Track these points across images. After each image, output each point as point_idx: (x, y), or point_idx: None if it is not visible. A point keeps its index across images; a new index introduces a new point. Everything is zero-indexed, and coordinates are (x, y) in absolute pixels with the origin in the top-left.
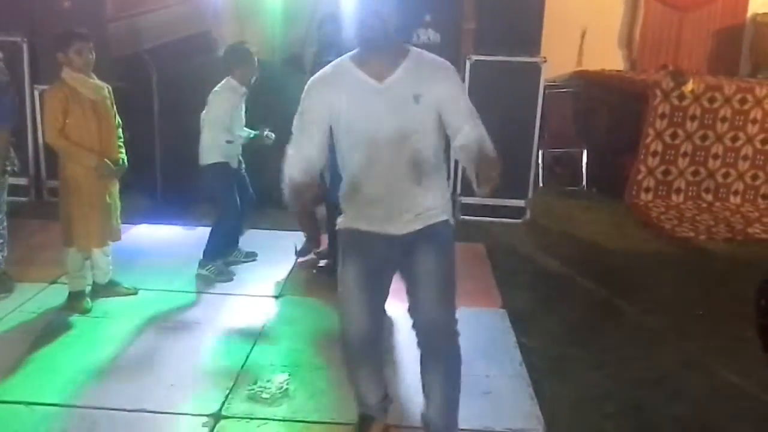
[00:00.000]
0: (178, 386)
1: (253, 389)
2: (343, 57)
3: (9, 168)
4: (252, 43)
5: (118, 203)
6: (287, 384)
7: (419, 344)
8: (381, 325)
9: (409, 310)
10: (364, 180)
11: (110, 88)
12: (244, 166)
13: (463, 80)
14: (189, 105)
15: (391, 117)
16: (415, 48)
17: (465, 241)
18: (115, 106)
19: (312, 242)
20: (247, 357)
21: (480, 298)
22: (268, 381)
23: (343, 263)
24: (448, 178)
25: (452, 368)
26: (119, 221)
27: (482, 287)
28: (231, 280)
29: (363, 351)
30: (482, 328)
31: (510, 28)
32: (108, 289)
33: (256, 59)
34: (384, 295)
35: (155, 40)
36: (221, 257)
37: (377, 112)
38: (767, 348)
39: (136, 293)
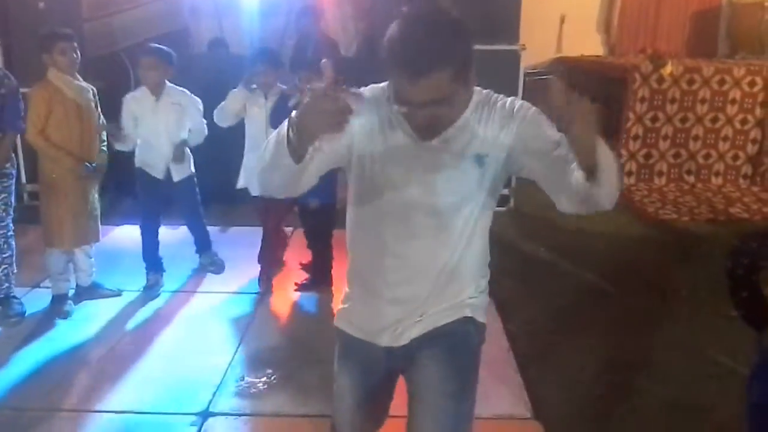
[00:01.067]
0: (164, 386)
1: (240, 385)
2: (377, 90)
3: (9, 170)
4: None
5: (98, 205)
6: (274, 380)
7: None
8: None
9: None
10: (379, 265)
11: (95, 89)
12: (184, 179)
13: None
14: None
15: (439, 181)
16: (482, 90)
17: None
18: (99, 108)
19: (267, 280)
20: (234, 354)
21: None
22: (255, 377)
23: (337, 367)
24: None
25: None
26: (99, 223)
27: None
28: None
29: None
30: None
31: (488, 16)
32: (91, 291)
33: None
34: (384, 410)
35: (132, 39)
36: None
37: (420, 173)
38: (748, 321)
39: (120, 294)
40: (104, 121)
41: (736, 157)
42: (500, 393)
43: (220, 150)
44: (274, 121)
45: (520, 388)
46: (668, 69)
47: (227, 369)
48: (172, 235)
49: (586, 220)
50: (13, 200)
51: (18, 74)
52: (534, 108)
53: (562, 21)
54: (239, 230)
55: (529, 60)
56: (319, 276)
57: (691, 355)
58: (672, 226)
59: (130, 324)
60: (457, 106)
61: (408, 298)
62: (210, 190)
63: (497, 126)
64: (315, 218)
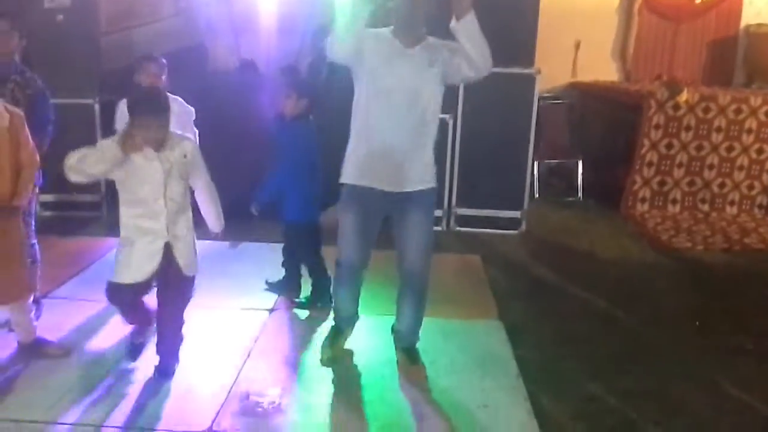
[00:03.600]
0: (168, 402)
1: (244, 404)
2: (383, 29)
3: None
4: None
5: (21, 253)
6: (280, 398)
7: (400, 279)
8: (368, 259)
9: (397, 255)
10: (375, 131)
11: (18, 114)
12: None
13: (458, 92)
14: None
15: (411, 76)
16: (432, 37)
17: (461, 252)
18: (23, 135)
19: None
20: (239, 371)
21: (476, 310)
22: (260, 395)
23: (343, 209)
24: (443, 190)
25: (422, 298)
26: (30, 274)
27: (478, 298)
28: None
29: (349, 275)
30: (478, 339)
31: (504, 40)
32: (34, 349)
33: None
34: (374, 238)
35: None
36: None
37: (401, 70)
38: None
39: (68, 355)
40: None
41: (751, 187)
42: (509, 420)
43: (232, 163)
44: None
45: (529, 416)
46: (684, 96)
47: (232, 386)
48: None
49: (599, 245)
50: (33, 208)
51: None
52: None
53: (578, 46)
54: (248, 246)
55: (544, 84)
56: (316, 294)
57: (705, 387)
58: (685, 255)
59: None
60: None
61: (395, 153)
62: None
63: (439, 48)
64: (299, 237)
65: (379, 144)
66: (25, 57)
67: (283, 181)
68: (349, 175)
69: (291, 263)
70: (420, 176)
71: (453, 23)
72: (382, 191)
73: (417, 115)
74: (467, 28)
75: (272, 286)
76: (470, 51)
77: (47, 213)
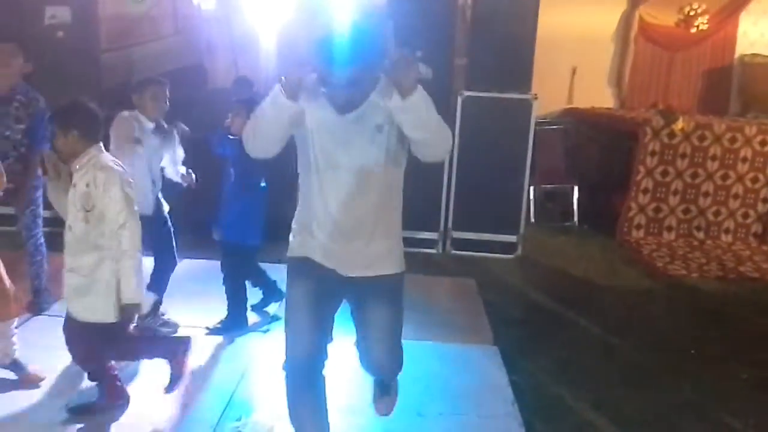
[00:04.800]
0: (160, 423)
1: (237, 426)
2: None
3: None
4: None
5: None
6: (272, 421)
7: (366, 371)
8: (323, 355)
9: (357, 346)
10: (324, 207)
11: None
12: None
13: (455, 116)
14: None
15: (356, 151)
16: (386, 78)
17: (456, 276)
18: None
19: (234, 321)
20: (233, 393)
21: (471, 335)
22: (253, 417)
23: (290, 285)
24: (440, 211)
25: (395, 391)
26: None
27: (473, 323)
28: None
29: (304, 380)
30: (473, 365)
31: (501, 65)
32: (13, 367)
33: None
34: (330, 321)
35: (149, 71)
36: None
37: (343, 142)
38: None
39: (38, 385)
40: None
41: (746, 215)
42: None
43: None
44: None
45: None
46: (680, 125)
47: (225, 408)
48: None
49: (595, 271)
50: (41, 211)
51: None
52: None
53: (574, 73)
54: None
55: (540, 109)
56: (234, 319)
57: (700, 416)
58: (681, 282)
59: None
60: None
61: (349, 234)
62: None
63: (387, 102)
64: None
65: (329, 222)
66: (28, 78)
67: (224, 198)
68: (295, 247)
69: (236, 291)
70: (381, 260)
71: (394, 101)
72: (335, 271)
73: (374, 192)
74: (414, 111)
75: (218, 329)
76: (419, 138)
77: (44, 229)
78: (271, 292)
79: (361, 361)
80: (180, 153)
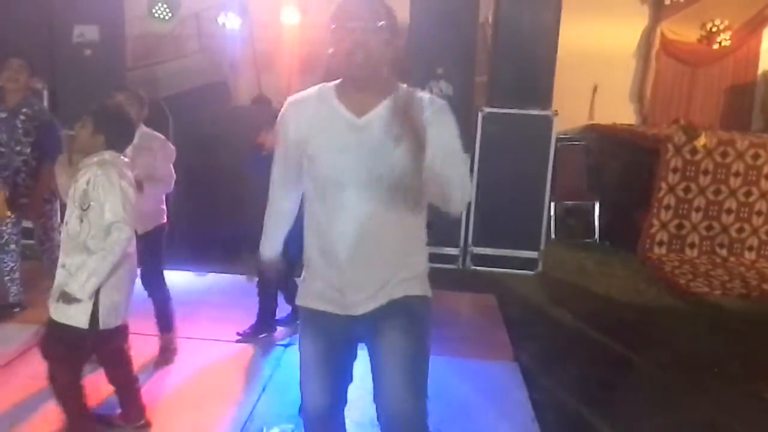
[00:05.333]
0: None
1: None
2: (326, 84)
3: (49, 196)
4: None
5: None
6: None
7: (381, 427)
8: (342, 403)
9: (374, 397)
10: (330, 236)
11: None
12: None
13: (475, 132)
14: (204, 152)
15: (365, 158)
16: (406, 86)
17: (476, 292)
18: None
19: (262, 324)
20: (255, 404)
21: (491, 351)
22: (275, 429)
23: (301, 337)
24: (460, 226)
25: None
26: None
27: (493, 339)
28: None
29: (323, 429)
30: (493, 381)
31: (522, 82)
32: None
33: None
34: (346, 374)
35: (173, 89)
36: None
37: (349, 150)
38: None
39: None
40: None
41: None
42: None
43: (252, 197)
44: None
45: None
46: (702, 141)
47: (247, 420)
48: (199, 282)
49: (616, 288)
50: (55, 224)
51: (63, 118)
52: (449, 114)
53: (595, 90)
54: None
55: (562, 126)
56: (262, 323)
57: None
58: (703, 300)
59: (149, 370)
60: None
61: (360, 265)
62: (237, 237)
63: (414, 115)
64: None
65: (337, 255)
66: (36, 92)
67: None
68: (304, 294)
69: (267, 298)
70: (402, 284)
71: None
72: (349, 316)
73: (393, 211)
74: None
75: (247, 335)
76: (442, 192)
77: None
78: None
79: (378, 418)
80: None
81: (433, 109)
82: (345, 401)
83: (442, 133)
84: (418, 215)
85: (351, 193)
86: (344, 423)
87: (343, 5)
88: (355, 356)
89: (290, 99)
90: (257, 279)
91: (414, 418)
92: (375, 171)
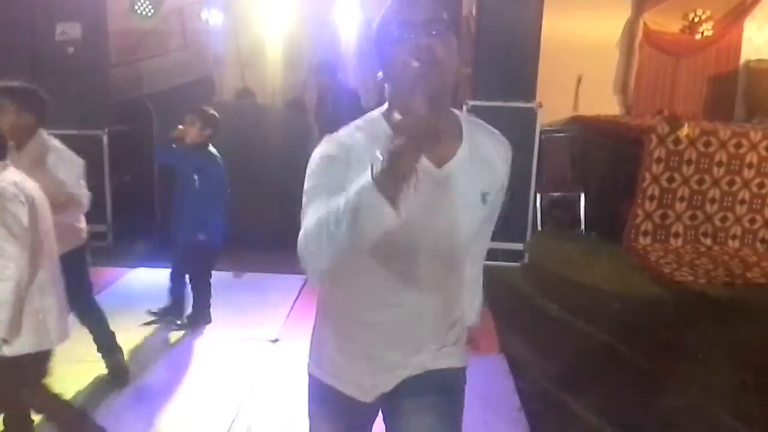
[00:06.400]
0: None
1: None
2: (375, 114)
3: None
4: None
5: None
6: (282, 430)
7: None
8: None
9: None
10: (366, 309)
11: None
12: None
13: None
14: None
15: (448, 219)
16: (460, 113)
17: None
18: None
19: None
20: (242, 402)
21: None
22: (262, 427)
23: (313, 414)
24: None
25: None
26: None
27: (480, 331)
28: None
29: None
30: (480, 373)
31: (506, 74)
32: None
33: None
34: None
35: (157, 85)
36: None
37: (427, 210)
38: None
39: None
40: None
41: (753, 221)
42: None
43: (237, 193)
44: None
45: None
46: (685, 131)
47: (234, 418)
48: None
49: (601, 278)
50: None
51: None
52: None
53: (579, 81)
54: (253, 276)
55: (546, 118)
56: (198, 313)
57: (707, 421)
58: (688, 288)
59: (136, 368)
60: (451, 73)
61: (398, 354)
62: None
63: (496, 159)
64: (198, 256)
65: (371, 331)
66: None
67: (187, 203)
68: (318, 367)
69: (178, 285)
70: (431, 357)
71: None
72: (373, 394)
73: (452, 282)
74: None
75: (157, 314)
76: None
77: None
78: (201, 311)
79: None
80: None
81: (504, 149)
82: None
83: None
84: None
85: (423, 265)
86: None
87: (393, 11)
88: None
89: (329, 144)
90: (189, 270)
91: None
92: (455, 228)
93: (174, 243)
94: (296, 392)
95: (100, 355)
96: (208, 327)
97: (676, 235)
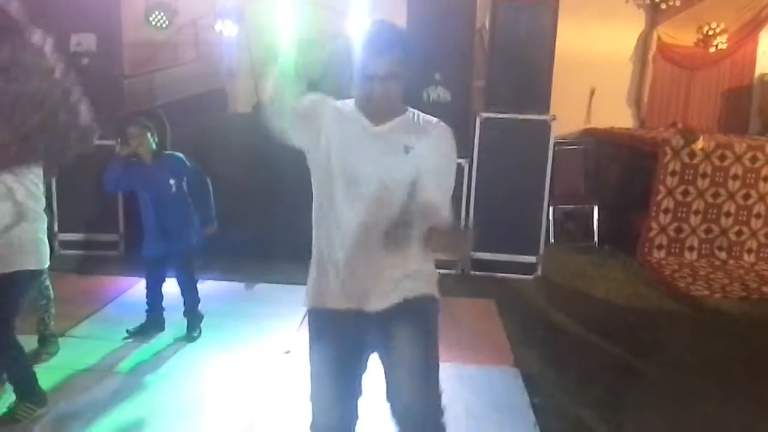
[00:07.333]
0: None
1: None
2: (346, 101)
3: None
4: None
5: None
6: None
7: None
8: (355, 420)
9: (387, 397)
10: (336, 236)
11: None
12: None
13: (473, 137)
14: (201, 161)
15: (378, 163)
16: (413, 109)
17: (476, 297)
18: None
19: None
20: (254, 416)
21: (491, 356)
22: None
23: (311, 347)
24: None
25: None
26: None
27: (493, 344)
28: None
29: None
30: (494, 387)
31: (520, 86)
32: None
33: None
34: (359, 384)
35: (170, 97)
36: None
37: (366, 155)
38: None
39: None
40: None
41: None
42: None
43: (250, 203)
44: None
45: None
46: (700, 144)
47: (246, 430)
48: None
49: (616, 292)
50: None
51: None
52: (450, 137)
53: (592, 93)
54: (264, 287)
55: (560, 130)
56: (196, 316)
57: None
58: (703, 303)
59: (149, 378)
60: (397, 96)
61: (370, 261)
62: (238, 245)
63: (421, 129)
64: (191, 260)
65: (345, 250)
66: None
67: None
68: (312, 296)
69: (158, 302)
70: (411, 281)
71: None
72: (359, 312)
73: (394, 209)
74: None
75: (134, 333)
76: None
77: (67, 251)
78: (195, 324)
79: (394, 417)
80: None
81: (437, 132)
82: (357, 416)
83: (437, 151)
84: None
85: (366, 187)
86: None
87: (367, 47)
88: (365, 368)
89: (327, 101)
90: (185, 277)
91: (429, 415)
92: (387, 177)
93: (152, 259)
94: (309, 405)
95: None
96: (219, 338)
97: (691, 249)
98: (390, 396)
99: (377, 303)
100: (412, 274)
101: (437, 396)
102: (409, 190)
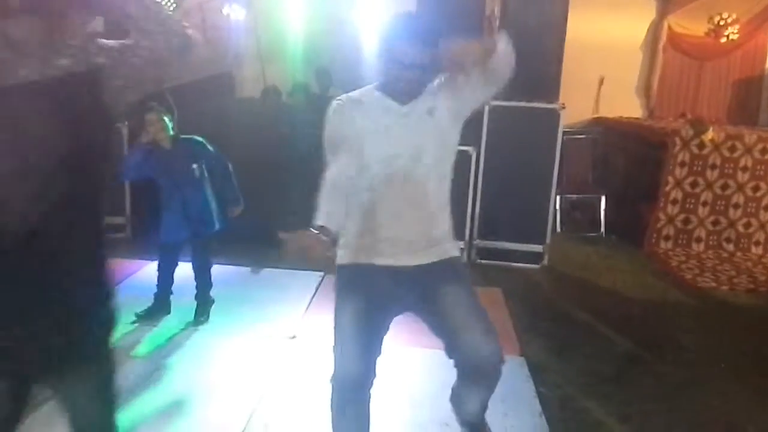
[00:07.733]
0: (184, 429)
1: None
2: (368, 87)
3: None
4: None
5: None
6: (300, 429)
7: (463, 376)
8: (373, 377)
9: (450, 350)
10: (376, 206)
11: None
12: None
13: (482, 125)
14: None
15: (410, 138)
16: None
17: (481, 286)
18: None
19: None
20: (259, 400)
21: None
22: (280, 425)
23: (340, 299)
24: (465, 220)
25: (494, 387)
26: None
27: (499, 333)
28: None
29: (353, 397)
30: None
31: (528, 75)
32: None
33: None
34: (380, 342)
35: (177, 80)
36: None
37: (397, 134)
38: None
39: None
40: None
41: None
42: None
43: (258, 188)
44: None
45: None
46: (710, 135)
47: (251, 415)
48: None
49: (622, 282)
50: None
51: None
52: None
53: (601, 82)
54: (270, 272)
55: (568, 119)
56: (208, 300)
57: (730, 430)
58: (710, 295)
59: (155, 362)
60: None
61: (405, 229)
62: (244, 230)
63: (436, 88)
64: (208, 245)
65: (381, 222)
66: None
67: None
68: (344, 254)
69: (167, 286)
70: (446, 243)
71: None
72: (398, 267)
73: (431, 179)
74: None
75: (142, 316)
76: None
77: None
78: (205, 309)
79: (459, 367)
80: None
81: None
82: (375, 374)
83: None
84: (448, 180)
85: (398, 163)
86: (371, 397)
87: (408, 37)
88: (388, 328)
89: (338, 100)
90: (203, 262)
91: (497, 355)
92: (418, 141)
93: (170, 243)
94: (314, 389)
95: None
96: (225, 323)
97: (698, 240)
98: (455, 349)
99: (414, 260)
100: (446, 235)
101: (496, 335)
102: (440, 142)
